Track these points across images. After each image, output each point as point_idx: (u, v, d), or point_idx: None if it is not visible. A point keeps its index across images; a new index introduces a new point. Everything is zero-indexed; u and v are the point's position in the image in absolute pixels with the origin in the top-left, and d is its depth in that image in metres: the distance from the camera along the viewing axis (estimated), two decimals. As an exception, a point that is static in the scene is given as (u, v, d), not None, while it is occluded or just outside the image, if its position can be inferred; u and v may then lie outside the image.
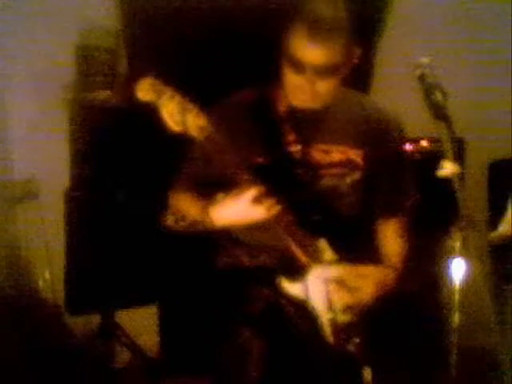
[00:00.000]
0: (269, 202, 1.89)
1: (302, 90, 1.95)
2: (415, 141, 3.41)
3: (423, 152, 3.40)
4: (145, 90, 1.83)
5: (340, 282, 1.99)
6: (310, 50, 1.88)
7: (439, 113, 1.74)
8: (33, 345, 2.84)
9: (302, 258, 1.98)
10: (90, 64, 3.09)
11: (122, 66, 3.17)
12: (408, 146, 3.40)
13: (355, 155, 2.06)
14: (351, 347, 2.01)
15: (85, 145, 3.02)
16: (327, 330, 1.99)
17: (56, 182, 3.12)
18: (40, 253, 3.16)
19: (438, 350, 1.95)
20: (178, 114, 1.81)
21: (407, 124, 2.30)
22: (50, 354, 2.86)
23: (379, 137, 2.08)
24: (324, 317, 1.98)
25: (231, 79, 2.31)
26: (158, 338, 3.31)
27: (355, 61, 1.99)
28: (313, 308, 1.98)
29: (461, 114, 1.85)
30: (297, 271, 1.98)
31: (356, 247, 2.05)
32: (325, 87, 1.94)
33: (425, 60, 1.80)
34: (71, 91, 3.11)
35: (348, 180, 2.07)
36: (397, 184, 2.13)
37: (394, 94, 3.41)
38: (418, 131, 3.07)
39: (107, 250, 3.06)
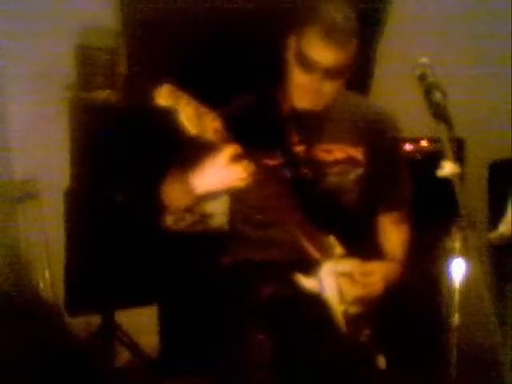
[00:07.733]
0: (245, 161, 1.93)
1: (307, 90, 2.03)
2: (415, 141, 3.42)
3: (423, 152, 3.41)
4: (164, 97, 1.89)
5: (349, 276, 2.07)
6: (324, 52, 1.97)
7: (439, 113, 1.74)
8: (32, 345, 2.84)
9: (315, 253, 2.05)
10: (89, 64, 3.09)
11: (122, 66, 3.17)
12: (408, 146, 3.41)
13: (355, 152, 2.15)
14: (363, 338, 2.09)
15: (85, 145, 3.02)
16: (341, 321, 2.06)
17: (56, 181, 3.12)
18: (40, 253, 3.16)
19: (438, 349, 1.95)
20: (195, 118, 1.88)
21: (407, 124, 2.31)
22: (50, 354, 2.86)
23: (376, 135, 2.17)
24: (338, 308, 2.06)
25: (232, 82, 2.33)
26: (158, 338, 3.31)
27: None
28: (327, 300, 2.05)
29: (461, 113, 1.86)
30: (310, 266, 2.05)
31: (362, 242, 2.14)
32: (330, 88, 2.03)
33: (425, 60, 1.80)
34: (71, 91, 3.11)
35: (351, 176, 2.15)
36: (395, 178, 2.23)
37: (394, 94, 3.41)
38: (418, 131, 3.07)
39: (107, 250, 3.06)
